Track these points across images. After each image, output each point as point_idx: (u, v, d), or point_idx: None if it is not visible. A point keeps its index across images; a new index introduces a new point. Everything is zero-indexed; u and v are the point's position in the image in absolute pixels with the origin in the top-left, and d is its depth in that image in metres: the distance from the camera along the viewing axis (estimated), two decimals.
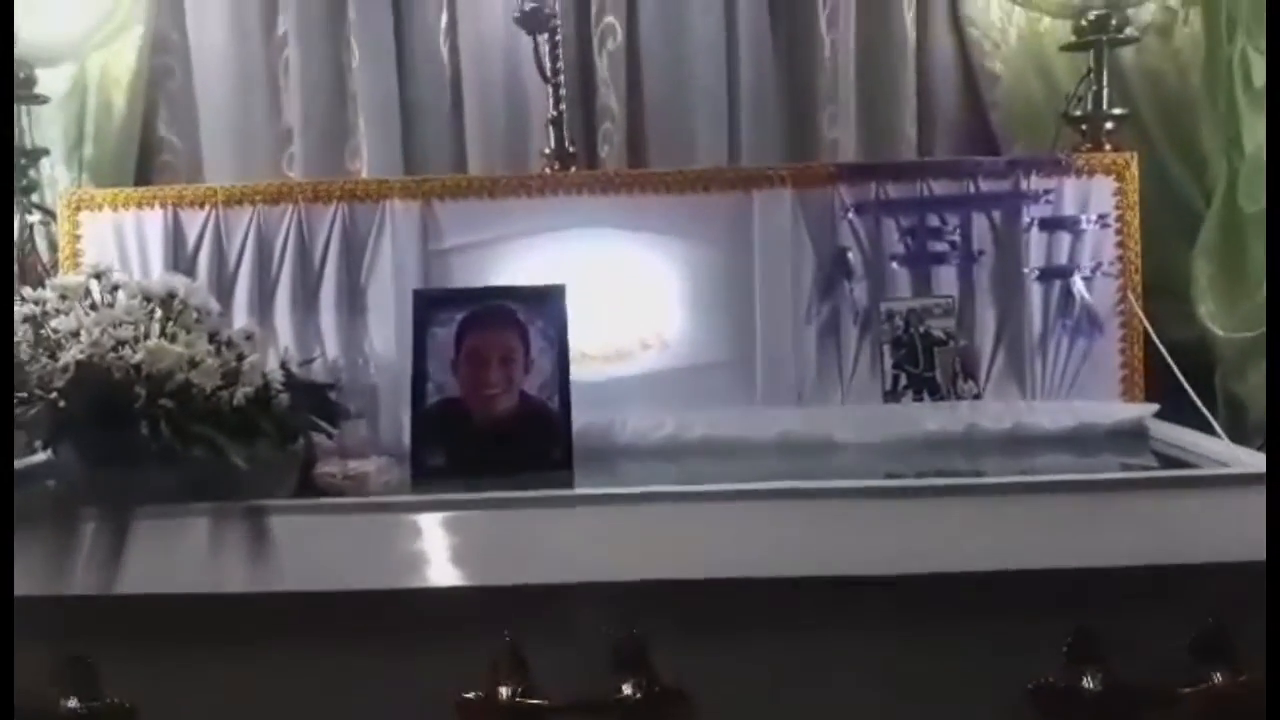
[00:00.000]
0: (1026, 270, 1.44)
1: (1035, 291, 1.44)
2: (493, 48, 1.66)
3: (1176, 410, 1.35)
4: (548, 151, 1.53)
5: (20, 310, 1.11)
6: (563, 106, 1.52)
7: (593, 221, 1.43)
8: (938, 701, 0.99)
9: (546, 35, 1.49)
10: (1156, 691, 0.96)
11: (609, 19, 1.66)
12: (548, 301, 1.27)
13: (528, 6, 1.44)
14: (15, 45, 1.45)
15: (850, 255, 1.44)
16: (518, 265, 1.42)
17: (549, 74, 1.50)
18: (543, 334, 1.26)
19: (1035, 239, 1.44)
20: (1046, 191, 1.44)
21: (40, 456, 1.26)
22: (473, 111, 1.67)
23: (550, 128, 1.52)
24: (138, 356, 1.05)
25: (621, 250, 1.43)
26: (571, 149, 1.53)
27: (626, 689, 0.97)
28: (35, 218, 1.53)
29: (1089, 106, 1.49)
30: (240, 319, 1.40)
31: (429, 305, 1.27)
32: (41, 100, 1.54)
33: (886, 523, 1.01)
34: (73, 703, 1.00)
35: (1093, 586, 0.97)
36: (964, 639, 0.99)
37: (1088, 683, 0.97)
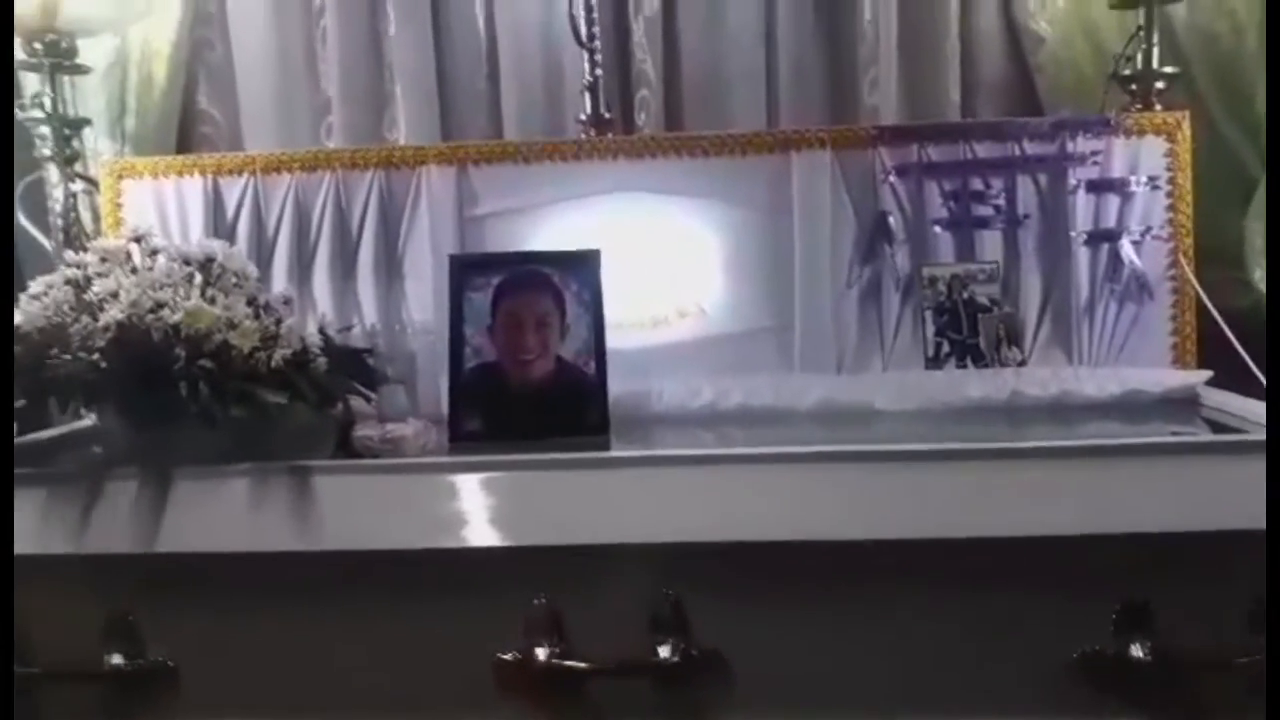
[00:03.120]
0: (1073, 234, 1.40)
1: (1082, 256, 1.40)
2: (528, 13, 1.66)
3: (1231, 379, 1.31)
4: (584, 118, 1.51)
5: (63, 273, 1.12)
6: (599, 72, 1.51)
7: (628, 186, 1.42)
8: (980, 669, 0.97)
9: (582, 0, 1.48)
10: (1207, 661, 0.94)
11: None
12: (583, 266, 1.26)
13: None
14: (57, 16, 1.47)
15: (891, 219, 1.41)
16: (553, 231, 1.41)
17: (585, 39, 1.49)
18: (578, 299, 1.25)
19: (1082, 202, 1.40)
20: (1094, 153, 1.40)
21: (85, 422, 1.27)
22: (509, 78, 1.67)
23: (586, 94, 1.51)
24: (176, 317, 1.05)
25: (658, 215, 1.41)
26: (608, 115, 1.51)
27: (664, 652, 0.97)
28: (79, 187, 1.54)
29: (1139, 66, 1.44)
30: (279, 286, 1.40)
31: (465, 270, 1.26)
32: (83, 70, 1.55)
33: (928, 487, 0.98)
34: (116, 660, 1.01)
35: (1142, 553, 0.94)
36: (1007, 605, 0.96)
37: (1137, 652, 0.94)
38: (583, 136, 1.50)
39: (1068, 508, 0.96)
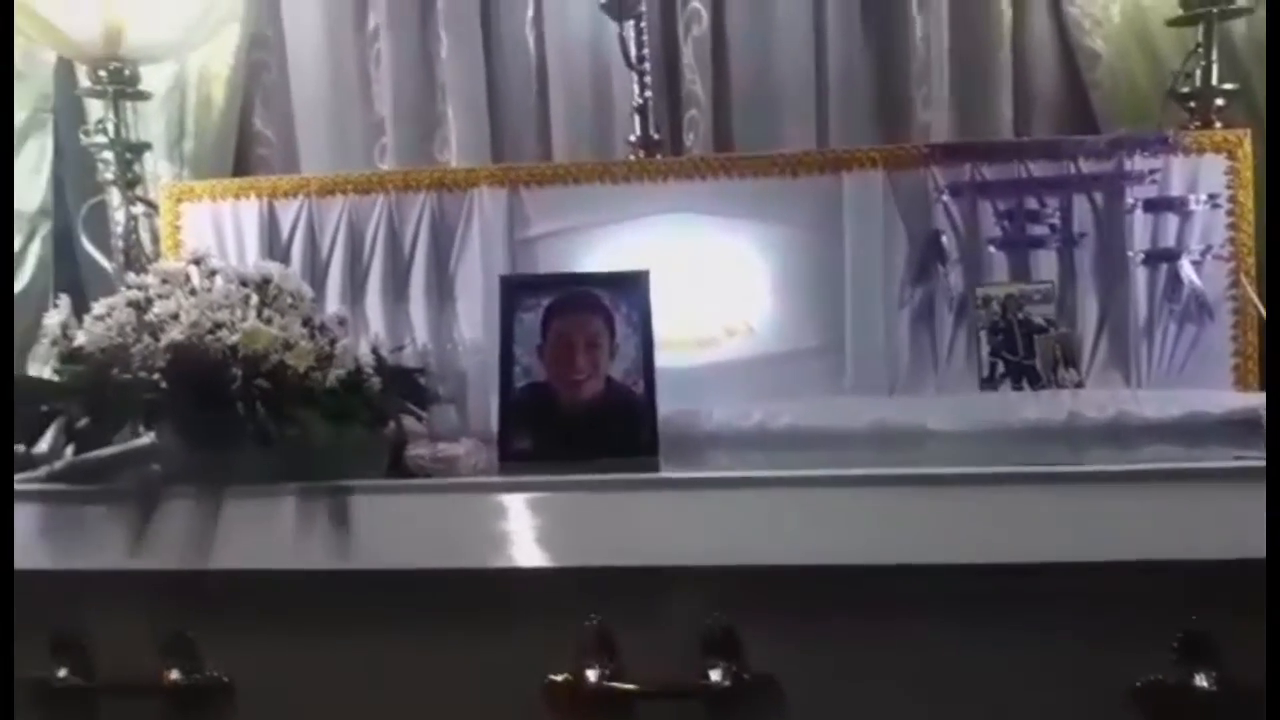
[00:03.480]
0: (1131, 254, 1.38)
1: (1140, 276, 1.38)
2: (578, 35, 1.67)
3: None
4: (633, 139, 1.52)
5: (125, 295, 1.15)
6: (648, 94, 1.52)
7: (678, 207, 1.42)
8: (1036, 697, 0.95)
9: (632, 22, 1.49)
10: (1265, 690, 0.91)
11: (694, 4, 1.65)
12: (632, 287, 1.26)
13: None
14: (120, 45, 1.51)
15: (945, 239, 1.40)
16: (603, 252, 1.41)
17: (634, 61, 1.50)
18: (627, 320, 1.25)
19: (1140, 221, 1.38)
20: (1152, 171, 1.38)
21: (143, 440, 1.30)
22: (558, 100, 1.68)
23: (636, 115, 1.52)
24: (234, 338, 1.07)
25: (708, 236, 1.42)
26: (657, 136, 1.52)
27: (715, 675, 0.96)
28: (139, 210, 1.58)
29: (1197, 83, 1.42)
30: (332, 306, 1.43)
31: (516, 291, 1.27)
32: (145, 96, 1.59)
33: (983, 511, 0.97)
34: (174, 675, 1.03)
35: (1203, 580, 0.92)
36: (1064, 633, 0.95)
37: (1200, 682, 0.92)
38: (632, 158, 1.50)
39: (1128, 533, 0.94)
